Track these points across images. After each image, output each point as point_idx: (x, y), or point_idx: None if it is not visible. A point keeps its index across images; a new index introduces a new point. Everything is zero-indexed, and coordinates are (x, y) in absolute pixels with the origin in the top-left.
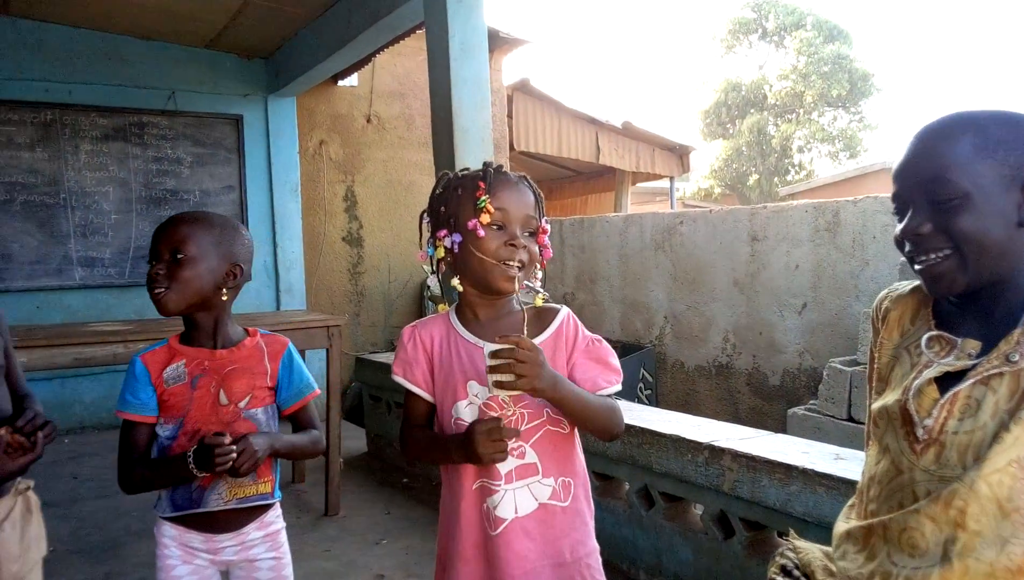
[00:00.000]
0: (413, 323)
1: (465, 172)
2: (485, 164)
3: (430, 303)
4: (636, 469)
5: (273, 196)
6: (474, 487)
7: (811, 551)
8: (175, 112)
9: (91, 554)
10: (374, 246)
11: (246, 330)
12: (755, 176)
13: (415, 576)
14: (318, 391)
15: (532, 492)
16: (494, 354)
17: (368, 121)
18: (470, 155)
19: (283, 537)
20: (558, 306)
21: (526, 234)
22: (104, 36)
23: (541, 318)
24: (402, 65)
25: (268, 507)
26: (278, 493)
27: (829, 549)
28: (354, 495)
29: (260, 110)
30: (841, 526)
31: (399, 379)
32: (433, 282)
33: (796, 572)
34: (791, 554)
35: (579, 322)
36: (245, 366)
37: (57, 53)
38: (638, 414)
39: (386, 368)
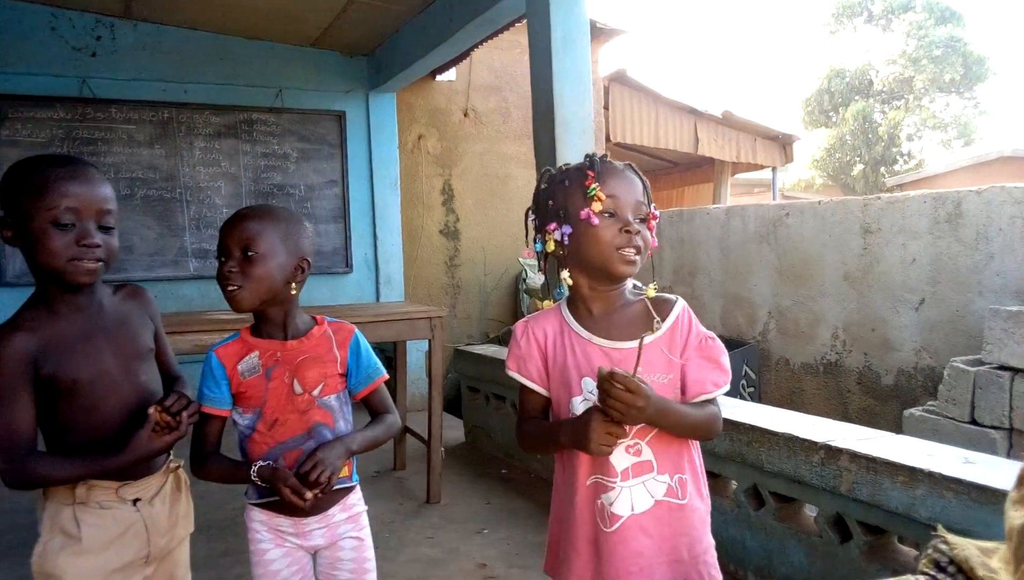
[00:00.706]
0: (526, 318)
1: (567, 166)
2: (588, 155)
3: (525, 296)
4: (745, 467)
5: (374, 190)
6: (588, 483)
7: (966, 547)
8: (282, 109)
9: (209, 532)
10: (470, 239)
11: (314, 318)
12: (860, 166)
13: (518, 567)
14: (387, 375)
15: (648, 489)
16: (603, 379)
17: (465, 115)
18: (571, 147)
19: (365, 519)
20: (673, 297)
21: (638, 220)
22: (217, 37)
23: (656, 310)
24: (499, 58)
25: (350, 490)
26: (356, 476)
27: (985, 545)
28: (453, 484)
29: (362, 106)
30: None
31: (513, 374)
32: (533, 277)
33: (951, 568)
34: (944, 547)
35: (693, 316)
36: (315, 355)
37: (174, 54)
38: (748, 411)
39: (483, 359)
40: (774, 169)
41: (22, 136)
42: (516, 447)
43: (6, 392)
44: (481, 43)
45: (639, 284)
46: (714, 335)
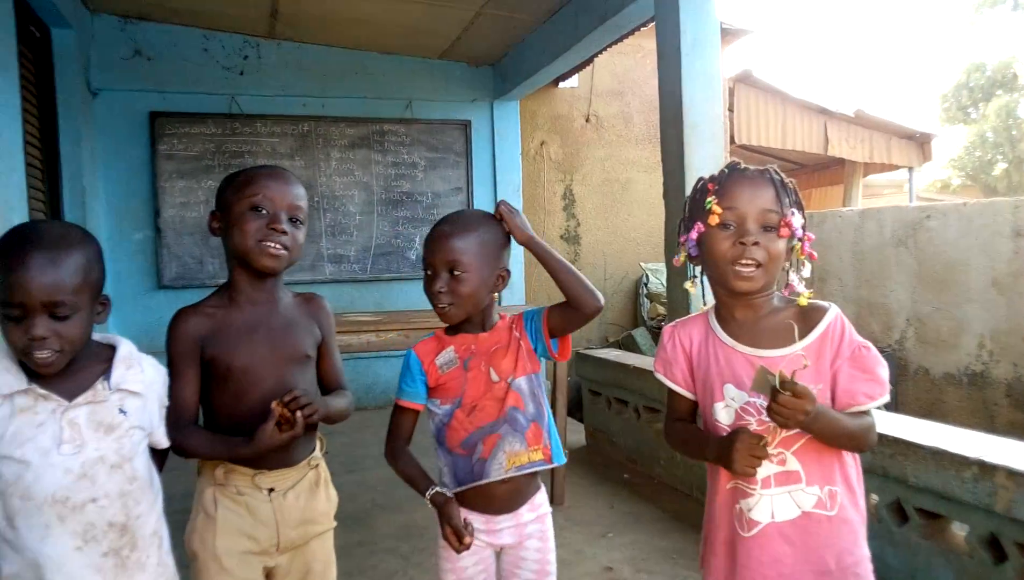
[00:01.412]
0: (673, 322)
1: (712, 175)
2: (727, 164)
3: (646, 301)
4: (887, 481)
5: (497, 196)
6: (728, 487)
7: None
8: (411, 120)
9: (344, 523)
10: (591, 244)
11: (500, 316)
12: (1002, 164)
13: (644, 572)
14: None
15: (795, 500)
16: (773, 390)
17: (587, 120)
18: (700, 151)
19: (550, 521)
20: (826, 305)
21: (763, 230)
22: (352, 53)
23: (807, 318)
24: (621, 63)
25: (536, 490)
26: (558, 458)
27: None
28: (576, 487)
29: (486, 115)
30: None
31: (660, 376)
32: (656, 282)
33: None
34: None
35: (848, 324)
36: (504, 343)
37: (313, 70)
38: (890, 422)
39: (606, 364)
40: (910, 169)
41: (177, 150)
42: (639, 452)
43: (176, 368)
44: (605, 49)
45: (794, 290)
46: (870, 345)
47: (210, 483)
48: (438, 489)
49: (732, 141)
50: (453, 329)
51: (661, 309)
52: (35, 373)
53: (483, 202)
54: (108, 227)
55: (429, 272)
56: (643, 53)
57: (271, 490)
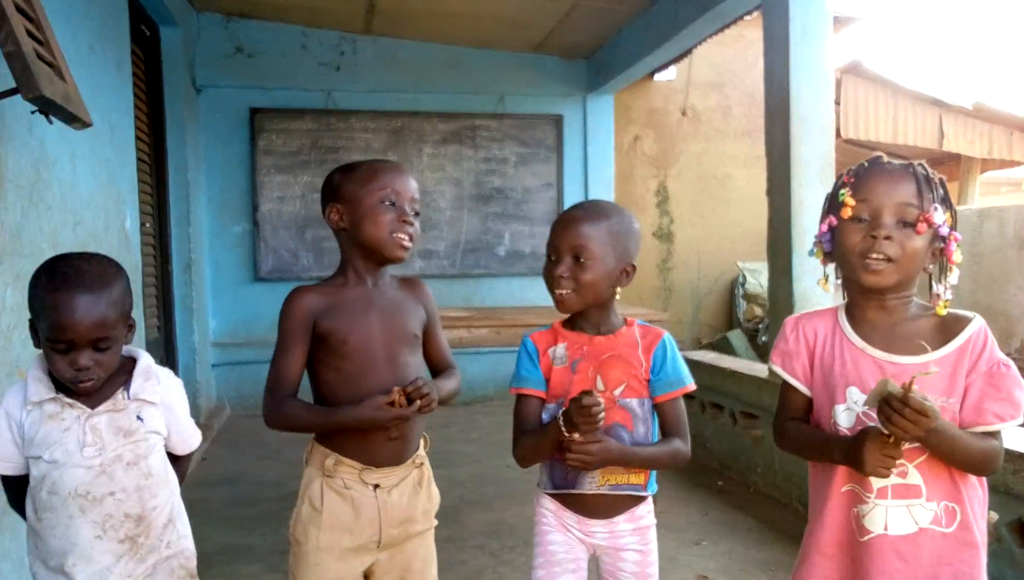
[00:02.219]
0: (797, 314)
1: (850, 169)
2: (871, 158)
3: (742, 302)
4: (1010, 499)
5: (588, 192)
6: (843, 490)
7: None
8: (503, 114)
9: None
10: (684, 241)
11: (624, 319)
12: None
13: None
14: (691, 386)
15: (912, 515)
16: (885, 400)
17: (683, 114)
18: (807, 145)
19: (653, 534)
20: (970, 315)
21: (899, 225)
22: (446, 48)
23: (947, 328)
24: (720, 55)
25: (640, 501)
26: (652, 486)
27: None
28: (668, 492)
29: (579, 109)
30: None
31: (777, 369)
32: (753, 282)
33: None
34: None
35: (991, 338)
36: (620, 354)
37: (407, 66)
38: (1015, 437)
39: (701, 366)
40: None
41: (276, 145)
42: (734, 458)
43: (286, 340)
44: (705, 39)
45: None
46: (1011, 363)
47: (318, 474)
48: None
49: (838, 135)
50: (570, 323)
51: (758, 310)
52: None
53: (573, 197)
54: (208, 220)
55: (552, 256)
56: (745, 43)
57: (376, 486)
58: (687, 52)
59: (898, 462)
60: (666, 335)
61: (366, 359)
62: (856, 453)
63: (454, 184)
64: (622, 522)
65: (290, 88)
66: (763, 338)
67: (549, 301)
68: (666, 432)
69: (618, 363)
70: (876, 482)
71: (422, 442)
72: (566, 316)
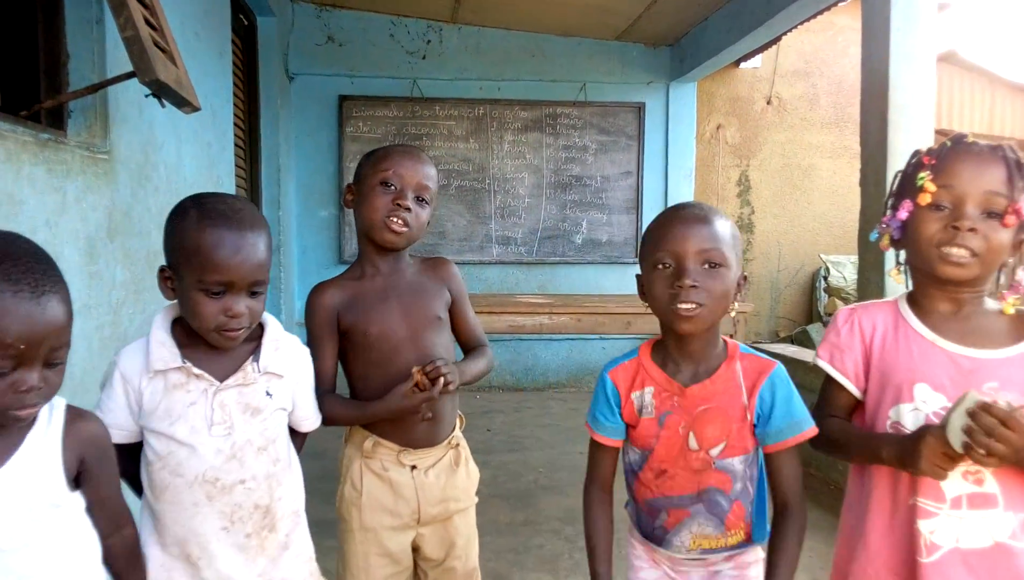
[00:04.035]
0: (852, 305)
1: (927, 149)
2: (953, 137)
3: (824, 295)
4: None
5: (668, 181)
6: (909, 503)
7: None
8: (584, 103)
9: (509, 500)
10: (765, 232)
11: (725, 345)
12: None
13: None
14: (811, 431)
15: (988, 527)
16: (975, 413)
17: (768, 103)
18: (906, 135)
19: (756, 570)
20: None
21: (984, 215)
22: (529, 36)
23: (1021, 326)
24: (809, 42)
25: (744, 551)
26: (759, 536)
27: None
28: None
29: (661, 97)
30: None
31: (823, 364)
32: (837, 275)
33: None
34: None
35: None
36: (720, 405)
37: (491, 54)
38: None
39: (780, 359)
40: None
41: (362, 132)
42: (816, 455)
43: (314, 338)
44: (796, 27)
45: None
46: None
47: (357, 454)
48: None
49: None
50: (660, 354)
51: (840, 304)
52: (186, 350)
53: (652, 187)
54: (297, 204)
55: (669, 264)
56: (834, 30)
57: (414, 467)
58: (776, 40)
59: (971, 468)
60: (776, 369)
61: (390, 347)
62: (910, 450)
63: (533, 172)
64: (720, 562)
65: (377, 76)
66: None
67: (624, 289)
68: (776, 489)
69: (716, 417)
70: (950, 491)
71: (457, 422)
72: (651, 337)
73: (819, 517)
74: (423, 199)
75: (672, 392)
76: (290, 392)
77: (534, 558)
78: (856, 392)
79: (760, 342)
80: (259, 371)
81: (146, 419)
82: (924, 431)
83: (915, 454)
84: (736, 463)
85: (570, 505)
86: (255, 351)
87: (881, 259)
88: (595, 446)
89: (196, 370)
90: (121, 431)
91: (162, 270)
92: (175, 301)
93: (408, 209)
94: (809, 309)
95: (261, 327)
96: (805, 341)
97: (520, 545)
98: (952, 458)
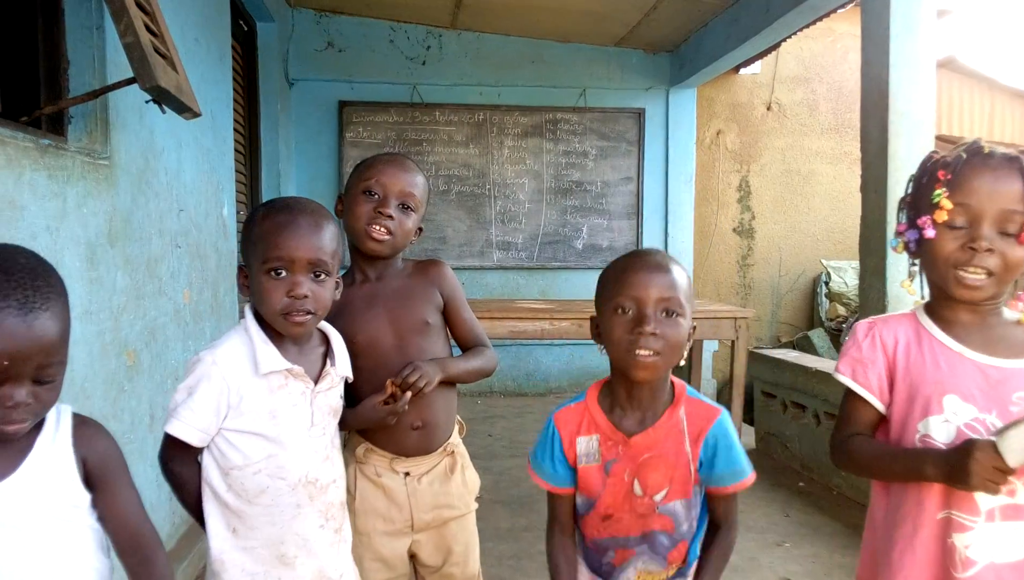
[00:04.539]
0: (871, 318)
1: (940, 156)
2: (970, 145)
3: (825, 301)
4: None
5: (668, 187)
6: (939, 517)
7: None
8: (584, 108)
9: (511, 506)
10: (766, 238)
11: (673, 387)
12: None
13: None
14: (750, 479)
15: (1019, 539)
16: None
17: (768, 109)
18: (906, 141)
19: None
20: None
21: (1000, 234)
22: (529, 41)
23: None
24: (808, 48)
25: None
26: (693, 555)
27: None
28: (747, 492)
29: (661, 103)
30: None
31: (845, 379)
32: (838, 281)
33: None
34: None
35: None
36: (662, 453)
37: (490, 60)
38: None
39: (783, 365)
40: None
41: (362, 137)
42: (817, 460)
43: None
44: (795, 33)
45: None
46: None
47: (351, 459)
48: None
49: None
50: (608, 401)
51: (841, 310)
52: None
53: (653, 192)
54: None
55: (629, 309)
56: (834, 36)
57: (407, 474)
58: (776, 46)
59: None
60: (720, 418)
61: (377, 354)
62: (958, 464)
63: (534, 177)
64: None
65: (377, 82)
66: (846, 338)
67: None
68: (713, 521)
69: (659, 464)
70: (984, 504)
71: (456, 429)
72: (598, 384)
73: (820, 522)
74: (408, 206)
75: (617, 441)
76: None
77: (536, 564)
78: (880, 407)
79: (762, 347)
80: (337, 375)
81: (240, 421)
82: (971, 446)
83: (964, 470)
84: (679, 507)
85: None
86: (326, 354)
87: (883, 265)
88: (548, 496)
89: (300, 372)
90: (202, 433)
91: (239, 269)
92: (250, 304)
93: (390, 217)
94: (811, 314)
95: (325, 333)
96: (807, 346)
97: (522, 551)
98: (1004, 472)
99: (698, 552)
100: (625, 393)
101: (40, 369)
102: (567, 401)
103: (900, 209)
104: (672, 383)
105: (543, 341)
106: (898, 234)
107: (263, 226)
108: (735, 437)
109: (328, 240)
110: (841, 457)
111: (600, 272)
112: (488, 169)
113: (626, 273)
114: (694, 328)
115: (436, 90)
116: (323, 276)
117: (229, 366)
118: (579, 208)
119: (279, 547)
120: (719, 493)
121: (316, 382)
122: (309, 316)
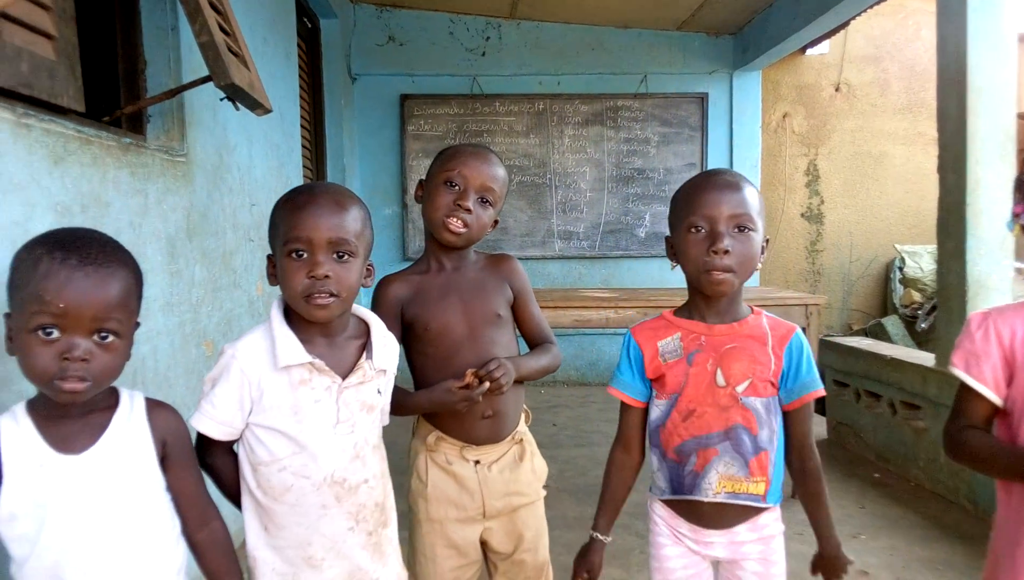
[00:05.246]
0: (986, 310)
1: None
2: None
3: (899, 287)
4: None
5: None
6: None
7: None
8: (646, 95)
9: (577, 495)
10: (835, 223)
11: (751, 308)
12: None
13: None
14: (822, 390)
15: None
16: None
17: (837, 90)
18: (985, 119)
19: (779, 543)
20: None
21: None
22: (589, 29)
23: None
24: (879, 26)
25: (763, 510)
26: (774, 497)
27: None
28: None
29: (725, 86)
30: None
31: (959, 372)
32: (913, 266)
33: None
34: None
35: None
36: (745, 347)
37: (550, 48)
38: None
39: (857, 353)
40: None
41: (423, 130)
42: (893, 450)
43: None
44: (864, 10)
45: None
46: None
47: (422, 447)
48: (598, 536)
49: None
50: (685, 310)
51: (917, 296)
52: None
53: None
54: None
55: (702, 228)
56: (905, 13)
57: (477, 462)
58: (844, 25)
59: None
60: (799, 331)
61: (450, 343)
62: None
63: (595, 165)
64: (743, 531)
65: (438, 74)
66: (922, 325)
67: (678, 283)
68: (793, 444)
69: (742, 355)
70: None
71: (523, 418)
72: (678, 305)
73: (897, 514)
74: (487, 200)
75: (699, 333)
76: (388, 388)
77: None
78: (996, 400)
79: (832, 335)
80: (373, 369)
81: (263, 416)
82: None
83: None
84: (759, 404)
85: (639, 500)
86: (365, 346)
87: (962, 248)
88: (621, 408)
89: (322, 366)
90: (227, 428)
91: (268, 258)
92: (280, 295)
93: (468, 210)
94: (883, 301)
95: (366, 325)
96: (880, 334)
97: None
98: None
99: (779, 494)
100: (704, 304)
101: (97, 322)
102: (643, 320)
103: (1017, 189)
104: (752, 307)
105: (606, 330)
106: (1016, 216)
107: (284, 209)
108: (811, 352)
109: (351, 221)
110: (954, 449)
111: (663, 260)
112: (548, 159)
113: (698, 192)
114: (767, 241)
115: (496, 81)
116: (347, 257)
117: (249, 359)
118: (641, 196)
119: (306, 548)
120: (798, 405)
121: (346, 376)
122: (332, 298)
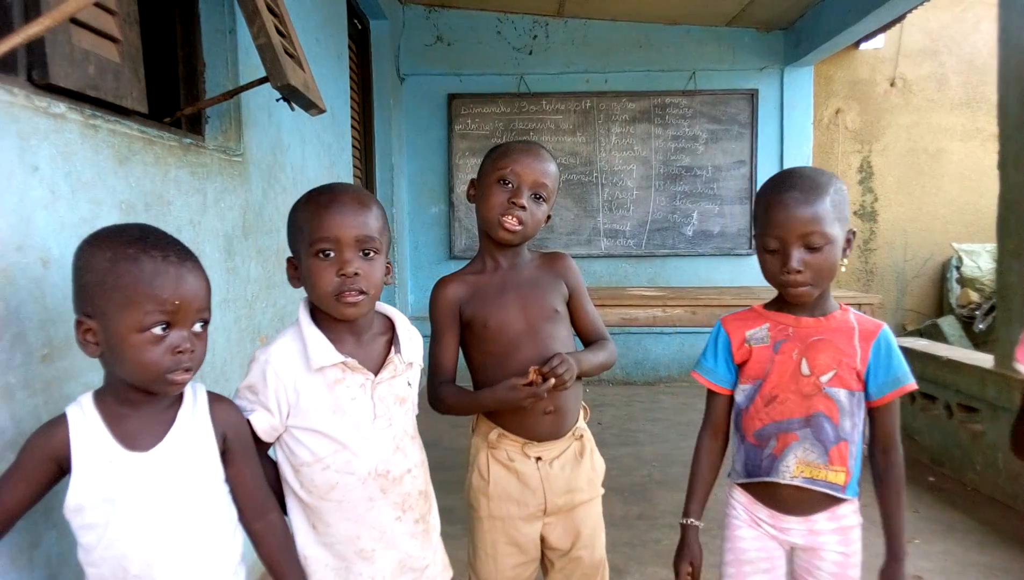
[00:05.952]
0: None
1: None
2: None
3: (956, 286)
4: None
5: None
6: None
7: None
8: (694, 92)
9: (623, 494)
10: (889, 221)
11: (839, 305)
12: None
13: None
14: (914, 385)
15: None
16: None
17: (892, 85)
18: None
19: (857, 535)
20: None
21: None
22: (636, 26)
23: None
24: (936, 19)
25: (842, 500)
26: (853, 489)
27: None
28: (872, 485)
29: (775, 82)
30: None
31: (1023, 368)
32: (971, 265)
33: None
34: None
35: None
36: (831, 339)
37: (597, 46)
38: None
39: (911, 354)
40: None
41: (471, 129)
42: (948, 454)
43: (437, 329)
44: (920, 3)
45: None
46: None
47: (483, 445)
48: (692, 522)
49: None
50: (775, 305)
51: (975, 296)
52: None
53: (767, 176)
54: (409, 201)
55: (775, 248)
56: (963, 6)
57: (538, 459)
58: (899, 18)
59: None
60: (886, 328)
61: (509, 340)
62: None
63: (642, 163)
64: (822, 520)
65: (485, 73)
66: (980, 326)
67: (738, 281)
68: (879, 439)
69: (828, 347)
70: None
71: (581, 413)
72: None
73: (953, 519)
74: (540, 196)
75: (787, 324)
76: (416, 380)
77: (651, 552)
78: None
79: None
80: (403, 362)
81: (301, 418)
82: None
83: None
84: (843, 395)
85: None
86: (391, 341)
87: (1023, 246)
88: (708, 395)
89: (355, 364)
90: (265, 430)
91: (288, 261)
92: (305, 297)
93: (523, 207)
94: (939, 301)
95: (390, 320)
96: (936, 334)
97: (636, 539)
98: None
99: (857, 488)
100: (791, 303)
101: (199, 313)
102: (734, 312)
103: None
104: (841, 305)
105: (653, 329)
106: None
107: (308, 210)
108: (898, 348)
109: (374, 218)
110: (1020, 448)
111: (711, 259)
112: (595, 156)
113: (769, 210)
114: (854, 233)
115: (543, 79)
116: (372, 254)
117: (283, 364)
118: (689, 194)
119: (356, 542)
120: (888, 399)
121: (378, 372)
122: (363, 296)
